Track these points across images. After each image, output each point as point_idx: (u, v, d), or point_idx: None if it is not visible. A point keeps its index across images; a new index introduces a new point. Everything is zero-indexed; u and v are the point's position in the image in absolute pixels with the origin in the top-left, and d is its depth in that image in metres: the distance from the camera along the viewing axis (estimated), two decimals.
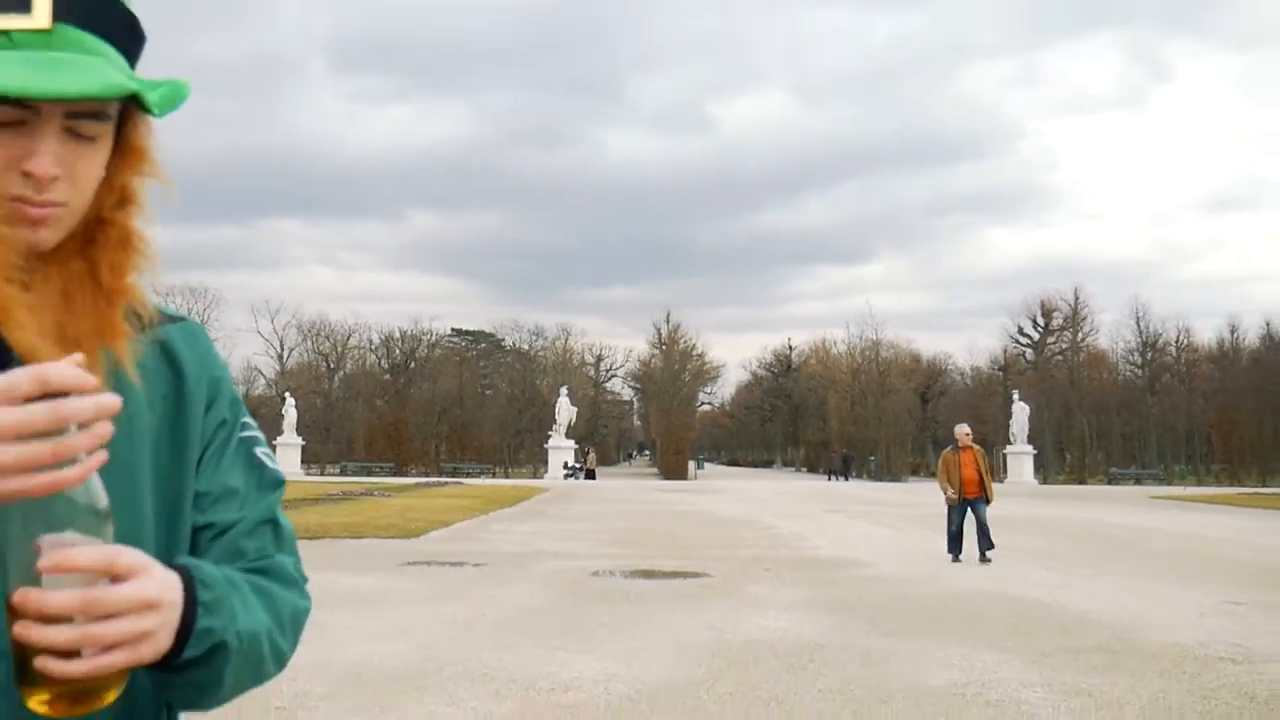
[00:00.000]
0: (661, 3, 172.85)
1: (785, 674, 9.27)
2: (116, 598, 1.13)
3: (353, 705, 8.04)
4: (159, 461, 1.37)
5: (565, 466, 69.03)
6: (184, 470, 1.40)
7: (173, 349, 1.43)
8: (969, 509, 18.48)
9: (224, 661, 1.27)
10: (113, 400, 1.10)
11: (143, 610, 1.15)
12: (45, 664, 1.12)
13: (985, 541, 18.28)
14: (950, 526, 18.68)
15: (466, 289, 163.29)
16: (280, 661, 1.39)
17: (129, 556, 1.15)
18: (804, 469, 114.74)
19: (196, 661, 1.24)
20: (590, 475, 70.72)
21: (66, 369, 1.08)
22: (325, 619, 11.33)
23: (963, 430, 19.59)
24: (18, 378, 1.07)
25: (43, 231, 1.24)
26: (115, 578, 1.14)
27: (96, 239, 1.31)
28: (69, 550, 1.12)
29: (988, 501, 18.67)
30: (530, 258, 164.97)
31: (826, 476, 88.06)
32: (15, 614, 1.12)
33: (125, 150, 1.31)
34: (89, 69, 1.19)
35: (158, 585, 1.17)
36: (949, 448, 19.64)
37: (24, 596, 1.10)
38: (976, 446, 19.48)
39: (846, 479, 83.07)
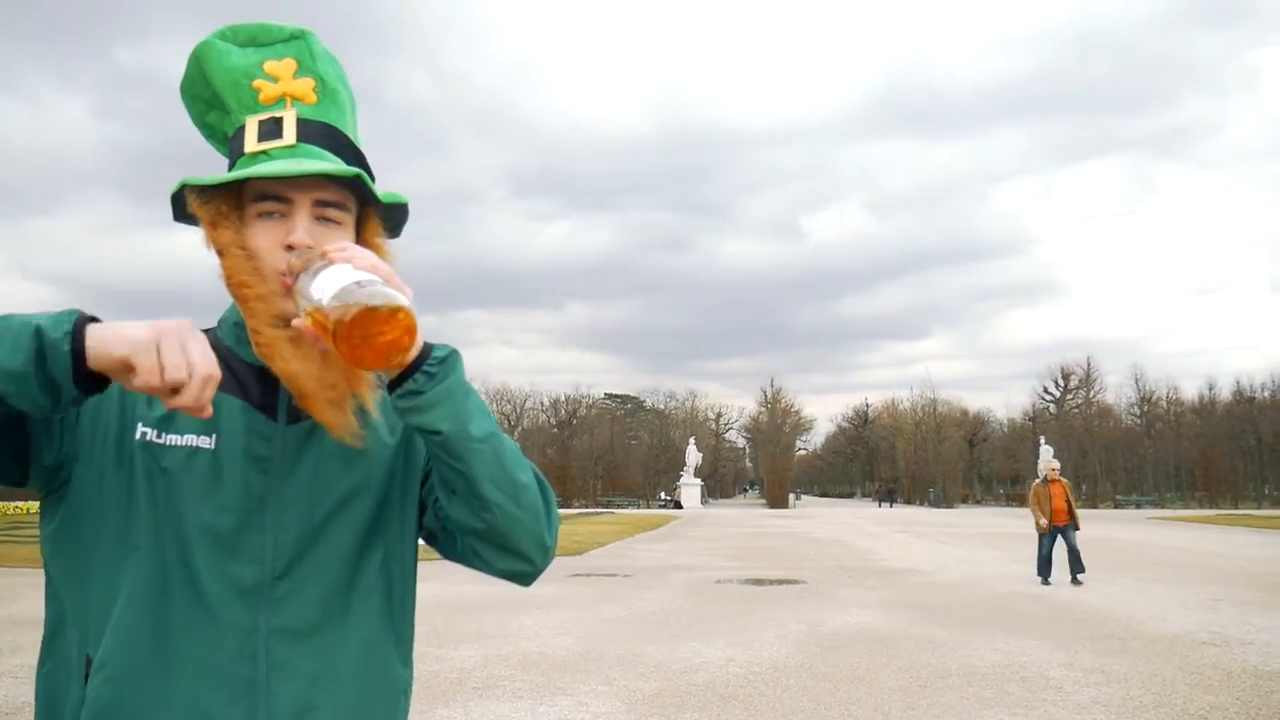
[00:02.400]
0: (762, 139, 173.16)
1: (866, 657, 9.09)
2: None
3: (532, 685, 8.01)
4: (394, 466, 1.40)
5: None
6: (412, 475, 1.42)
7: None
8: (1058, 536, 15.73)
9: (464, 381, 1.25)
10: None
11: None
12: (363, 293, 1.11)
13: (1076, 565, 15.42)
14: (1041, 551, 15.80)
15: (616, 362, 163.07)
16: (528, 464, 1.33)
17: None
18: (877, 499, 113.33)
19: (443, 363, 1.22)
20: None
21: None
22: (509, 619, 11.42)
23: (1053, 465, 16.74)
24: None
25: None
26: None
27: None
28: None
29: (1076, 528, 15.79)
30: (664, 337, 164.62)
31: (877, 503, 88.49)
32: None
33: (363, 246, 1.35)
34: (324, 161, 1.29)
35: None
36: (1039, 480, 16.52)
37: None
38: (1064, 479, 16.38)
39: (892, 505, 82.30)
